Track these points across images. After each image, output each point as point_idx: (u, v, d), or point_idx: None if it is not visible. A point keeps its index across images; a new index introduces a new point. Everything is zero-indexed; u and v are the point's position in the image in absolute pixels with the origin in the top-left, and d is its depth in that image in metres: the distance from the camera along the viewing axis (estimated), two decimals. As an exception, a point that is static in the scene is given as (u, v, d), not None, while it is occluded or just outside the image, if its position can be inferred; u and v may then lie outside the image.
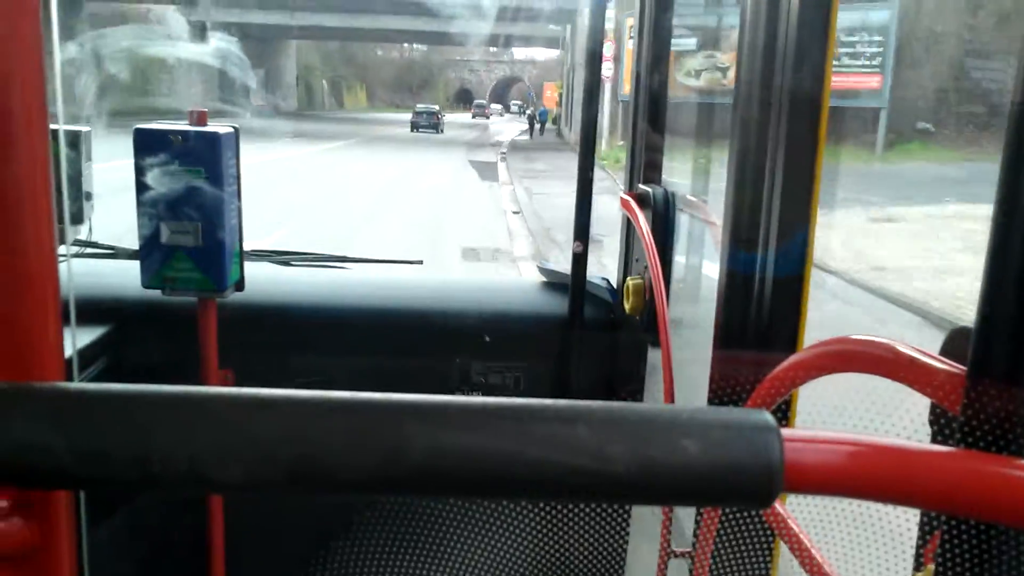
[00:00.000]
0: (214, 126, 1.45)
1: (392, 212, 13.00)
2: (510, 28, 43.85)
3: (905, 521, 0.69)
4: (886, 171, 17.50)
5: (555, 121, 42.60)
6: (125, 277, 1.58)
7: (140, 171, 1.43)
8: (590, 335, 1.78)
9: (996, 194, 0.57)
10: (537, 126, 39.55)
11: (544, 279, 1.96)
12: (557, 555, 1.70)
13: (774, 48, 1.01)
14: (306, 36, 56.59)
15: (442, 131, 38.65)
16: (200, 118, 1.46)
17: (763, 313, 1.07)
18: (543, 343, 1.80)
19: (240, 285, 1.55)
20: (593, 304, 1.81)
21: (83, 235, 1.60)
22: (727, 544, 1.07)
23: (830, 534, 0.80)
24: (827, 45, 1.00)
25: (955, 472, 0.50)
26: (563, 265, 1.87)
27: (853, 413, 0.74)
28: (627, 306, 1.69)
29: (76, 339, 1.47)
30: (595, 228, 1.82)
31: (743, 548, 1.07)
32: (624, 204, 1.73)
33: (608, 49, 21.60)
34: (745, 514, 1.04)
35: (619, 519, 1.68)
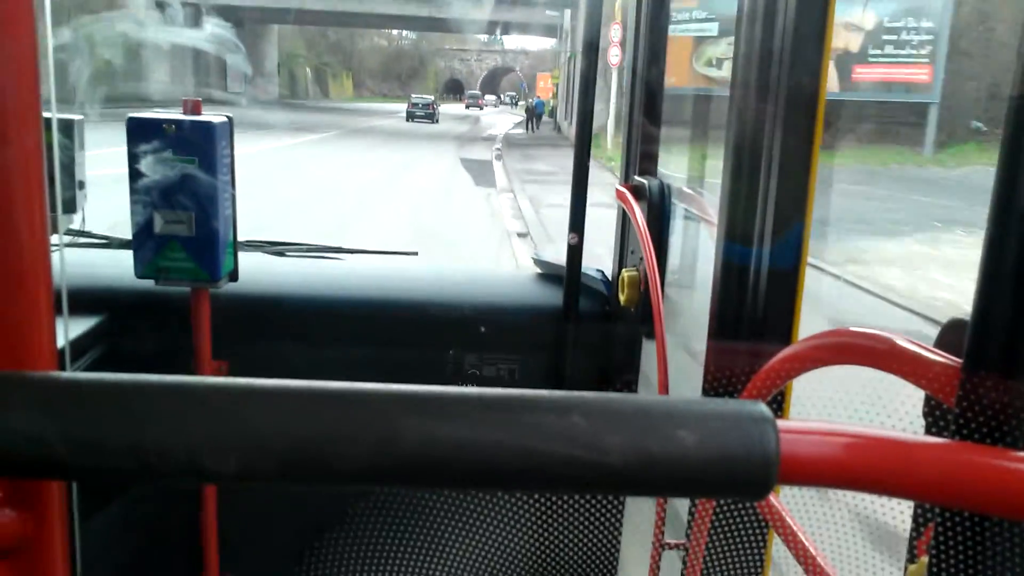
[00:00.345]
0: (208, 115, 1.48)
1: (364, 236, 9.98)
2: (505, 14, 41.41)
3: (899, 513, 0.69)
4: (946, 178, 14.91)
5: (551, 113, 39.96)
6: (118, 267, 1.62)
7: (133, 160, 1.45)
8: (585, 327, 1.81)
9: (993, 188, 0.58)
10: (534, 119, 37.44)
11: (539, 271, 1.98)
12: (551, 546, 1.72)
13: (771, 41, 1.03)
14: (289, 20, 53.82)
15: (437, 121, 40.05)
16: (194, 107, 1.48)
17: (758, 305, 1.09)
18: (538, 335, 1.83)
19: (234, 275, 1.57)
20: (588, 296, 1.84)
21: (76, 225, 1.59)
22: (721, 536, 1.08)
23: (824, 525, 0.80)
24: (824, 38, 1.02)
25: (950, 464, 0.50)
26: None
27: (848, 404, 0.76)
28: (622, 298, 1.71)
29: (69, 329, 1.38)
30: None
31: (737, 540, 1.08)
32: (619, 196, 1.75)
33: (616, 33, 18.89)
34: (739, 506, 1.05)
35: (613, 510, 1.70)
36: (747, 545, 1.10)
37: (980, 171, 14.92)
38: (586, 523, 1.71)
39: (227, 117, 1.52)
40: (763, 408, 0.49)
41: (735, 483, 0.49)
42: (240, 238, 1.61)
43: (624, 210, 1.75)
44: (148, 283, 1.51)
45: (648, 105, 1.78)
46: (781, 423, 0.49)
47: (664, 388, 1.40)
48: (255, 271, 1.73)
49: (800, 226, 1.07)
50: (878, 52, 19.82)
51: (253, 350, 1.67)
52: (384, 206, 11.99)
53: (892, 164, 16.77)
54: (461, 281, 2.04)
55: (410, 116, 40.18)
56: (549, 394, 0.49)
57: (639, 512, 1.65)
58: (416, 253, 2.12)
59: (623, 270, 1.75)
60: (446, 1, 40.85)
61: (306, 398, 0.48)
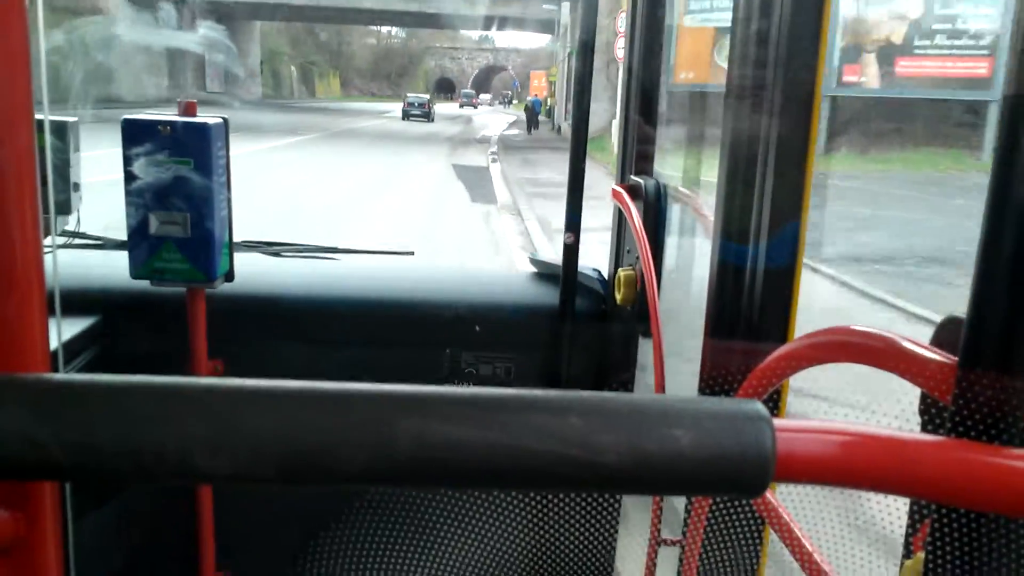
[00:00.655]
0: (203, 116, 1.51)
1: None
2: (500, 9, 39.15)
3: (896, 510, 0.70)
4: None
5: (549, 113, 37.67)
6: (113, 268, 1.64)
7: (128, 162, 1.48)
8: (581, 326, 1.83)
9: (989, 185, 0.59)
10: (533, 119, 36.04)
11: (535, 270, 2.02)
12: (548, 543, 1.74)
13: (767, 40, 1.05)
14: (272, 16, 51.37)
15: (432, 119, 41.58)
16: (189, 108, 1.51)
17: (754, 304, 1.11)
18: (534, 334, 1.86)
19: (230, 276, 1.60)
20: (584, 295, 1.87)
21: (71, 226, 1.63)
22: (717, 532, 1.11)
23: (820, 522, 0.82)
24: (820, 36, 1.04)
25: (946, 461, 0.51)
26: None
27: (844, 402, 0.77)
28: (618, 297, 1.73)
29: (64, 330, 1.52)
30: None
31: (733, 536, 1.10)
32: (615, 195, 1.78)
33: (624, 23, 16.56)
34: (735, 503, 1.07)
35: (610, 507, 1.74)
36: (743, 541, 1.11)
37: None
38: (583, 520, 1.72)
39: (222, 118, 1.54)
40: (759, 407, 0.50)
41: (731, 481, 0.49)
42: (235, 239, 1.62)
43: (620, 209, 1.77)
44: (143, 284, 1.53)
45: (644, 104, 1.81)
46: (777, 421, 0.50)
47: (661, 387, 1.42)
48: (251, 271, 1.76)
49: (796, 224, 1.08)
50: (927, 43, 17.45)
51: (249, 351, 1.70)
52: (359, 233, 9.87)
53: (951, 170, 14.52)
54: (457, 280, 2.07)
55: (406, 114, 41.77)
56: (545, 394, 0.50)
57: (636, 509, 1.68)
58: (412, 253, 2.16)
59: (619, 269, 1.78)
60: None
61: (301, 399, 0.49)
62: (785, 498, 0.86)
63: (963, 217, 9.66)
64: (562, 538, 1.74)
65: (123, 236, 1.58)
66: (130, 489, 1.70)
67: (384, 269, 2.08)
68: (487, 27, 49.95)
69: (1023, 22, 0.57)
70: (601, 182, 1.60)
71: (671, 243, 1.70)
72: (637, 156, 1.81)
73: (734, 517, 1.10)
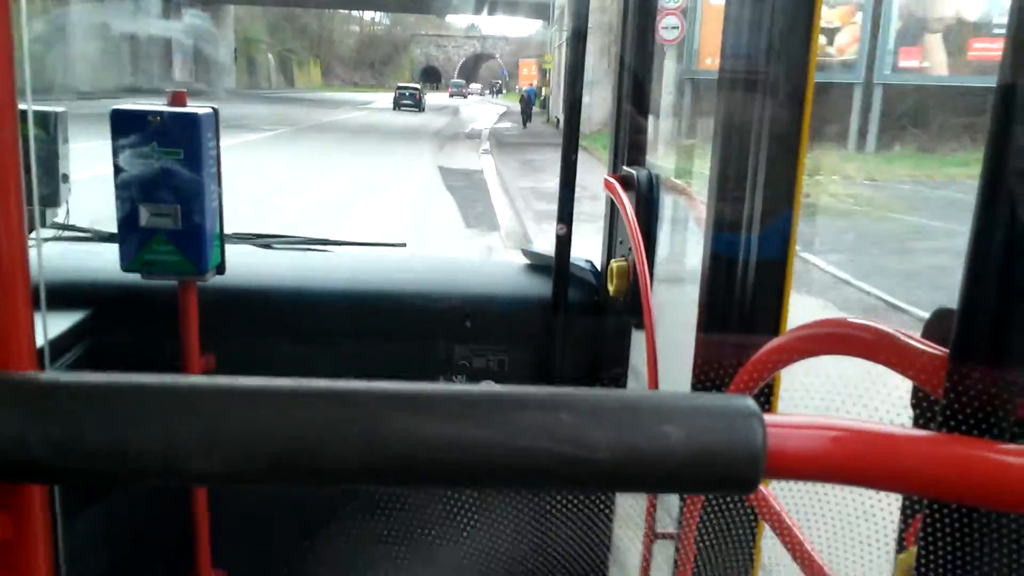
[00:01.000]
0: (193, 106, 1.53)
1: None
2: None
3: (889, 504, 0.72)
4: None
5: (543, 104, 34.74)
6: (104, 261, 1.65)
7: (117, 153, 1.49)
8: (574, 318, 1.87)
9: (980, 174, 0.59)
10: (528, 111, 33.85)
11: (528, 261, 2.06)
12: (542, 539, 1.77)
13: (759, 28, 1.07)
14: (245, 0, 47.90)
15: (423, 109, 42.38)
16: (178, 98, 1.53)
17: (746, 296, 1.13)
18: (527, 326, 1.89)
19: (221, 268, 1.62)
20: (577, 286, 1.91)
21: (60, 218, 1.65)
22: (712, 526, 1.14)
23: (814, 516, 0.83)
24: (812, 27, 1.05)
25: (937, 456, 0.52)
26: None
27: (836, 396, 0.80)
28: (611, 288, 1.77)
29: (53, 325, 1.55)
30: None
31: (727, 530, 1.13)
32: (608, 186, 1.82)
33: (675, -1, 16.67)
34: (729, 497, 1.10)
35: (605, 502, 1.76)
36: (737, 535, 1.12)
37: None
38: (578, 516, 1.72)
39: (212, 108, 1.56)
40: (750, 402, 0.51)
41: (722, 478, 0.50)
42: (226, 231, 1.65)
43: (613, 200, 1.81)
44: (134, 277, 1.55)
45: (637, 94, 1.83)
46: (768, 417, 0.50)
47: (653, 379, 1.45)
48: (242, 264, 1.77)
49: (789, 216, 1.10)
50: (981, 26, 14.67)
51: (241, 344, 1.71)
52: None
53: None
54: (450, 273, 2.10)
55: (397, 103, 42.67)
56: (535, 391, 0.50)
57: (630, 503, 1.71)
58: (404, 244, 2.19)
59: (612, 260, 1.81)
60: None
61: (291, 397, 0.49)
62: (779, 492, 0.87)
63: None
64: (556, 534, 1.74)
65: (111, 229, 1.59)
66: (123, 490, 1.71)
67: (376, 261, 2.10)
68: (478, 11, 47.44)
69: (1019, 11, 0.57)
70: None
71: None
72: (630, 146, 1.84)
73: (729, 511, 1.11)
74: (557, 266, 1.85)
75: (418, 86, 47.30)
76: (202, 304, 1.62)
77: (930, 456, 0.52)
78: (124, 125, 1.48)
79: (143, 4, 41.59)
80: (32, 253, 0.62)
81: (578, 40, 1.78)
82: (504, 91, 77.87)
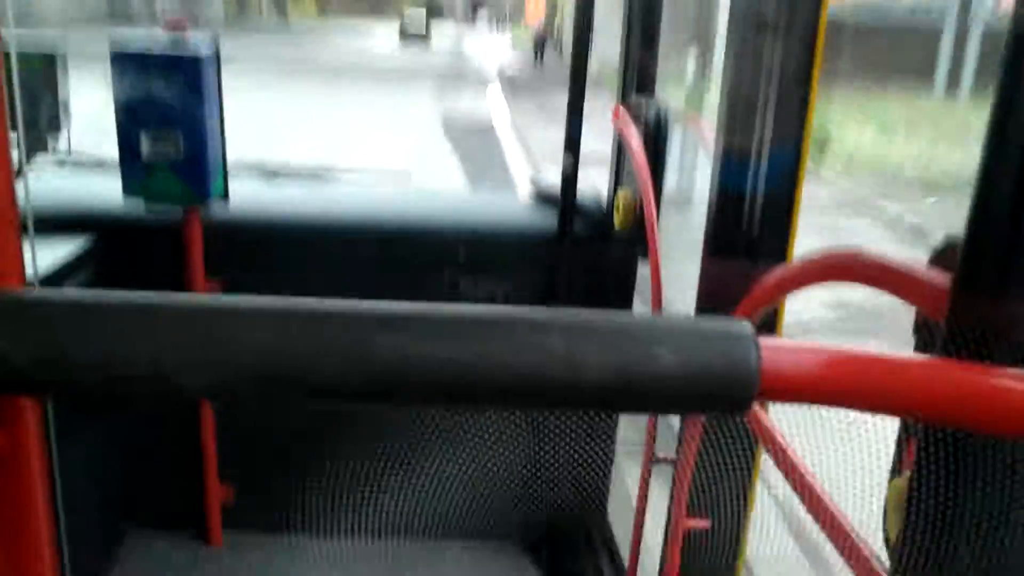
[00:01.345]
0: (193, 37, 1.55)
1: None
2: None
3: (886, 430, 0.72)
4: None
5: (549, 37, 30.00)
6: (108, 189, 1.67)
7: (118, 86, 1.52)
8: (580, 249, 1.89)
9: (989, 110, 0.60)
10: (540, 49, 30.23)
11: (536, 194, 2.08)
12: (543, 461, 1.82)
13: None
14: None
15: (430, 37, 41.89)
16: (178, 24, 1.55)
17: (753, 225, 1.15)
18: (533, 258, 1.92)
19: (224, 196, 1.65)
20: (583, 219, 1.92)
21: (62, 145, 1.67)
22: (710, 450, 1.16)
23: (813, 443, 0.83)
24: None
25: (934, 380, 0.53)
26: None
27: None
28: (617, 220, 1.79)
29: (55, 252, 1.58)
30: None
31: (726, 454, 1.15)
32: (616, 116, 1.82)
33: None
34: (728, 423, 1.12)
35: (605, 426, 1.80)
36: (736, 459, 1.14)
37: None
38: (578, 438, 1.77)
39: (213, 42, 1.58)
40: (745, 325, 0.51)
41: (715, 399, 0.51)
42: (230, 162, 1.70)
43: (620, 131, 1.83)
44: (138, 205, 1.58)
45: (646, 22, 1.81)
46: (764, 340, 0.50)
47: (658, 307, 1.47)
48: (248, 195, 1.81)
49: (797, 147, 1.10)
50: None
51: (247, 273, 1.74)
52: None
53: None
54: (456, 204, 2.12)
55: (403, 32, 42.19)
56: (526, 310, 0.51)
57: (632, 428, 1.75)
58: (409, 174, 2.30)
59: (618, 192, 1.82)
60: None
61: (278, 314, 0.49)
62: (779, 419, 0.87)
63: None
64: (557, 455, 1.78)
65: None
66: (127, 406, 1.76)
67: (382, 192, 2.13)
68: None
69: None
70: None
71: None
72: (639, 76, 1.83)
73: (727, 436, 1.13)
74: (563, 199, 1.87)
75: (423, 10, 46.05)
76: (207, 233, 1.65)
77: (927, 380, 0.52)
78: (125, 57, 1.52)
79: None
80: (21, 181, 0.63)
81: None
82: (508, 25, 72.49)
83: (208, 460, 1.74)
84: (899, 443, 0.72)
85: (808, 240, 1.08)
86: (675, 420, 1.43)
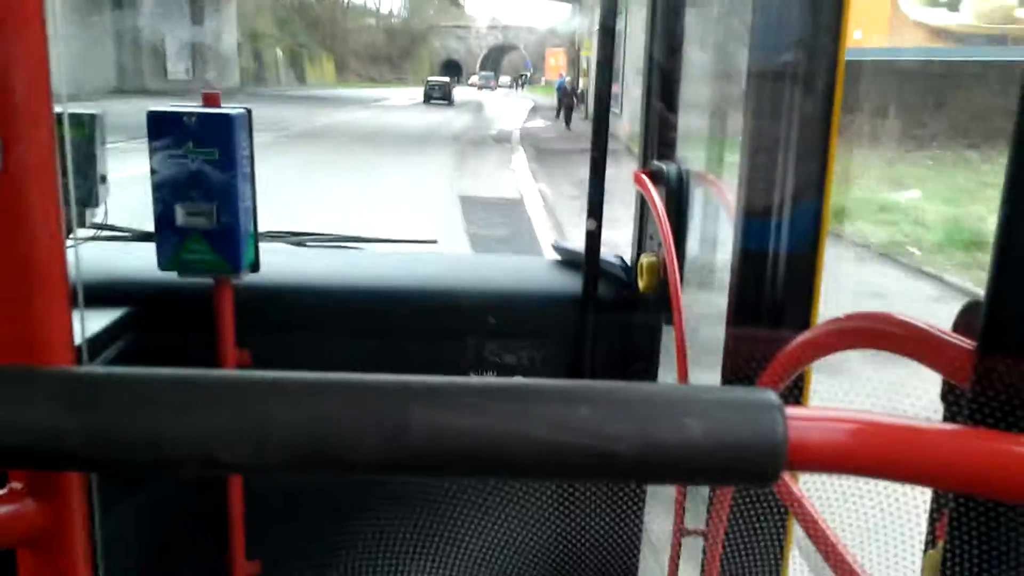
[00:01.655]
0: (227, 107, 1.60)
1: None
2: None
3: (918, 500, 0.72)
4: None
5: (582, 98, 29.97)
6: (141, 260, 1.74)
7: (154, 154, 1.58)
8: (604, 314, 1.91)
9: (1006, 168, 0.60)
10: (565, 108, 29.49)
11: (559, 258, 2.13)
12: (572, 535, 1.81)
13: (789, 19, 1.09)
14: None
15: (452, 102, 44.48)
16: (212, 99, 1.61)
17: (776, 289, 1.16)
18: (557, 322, 1.94)
19: (255, 266, 1.70)
20: (608, 282, 1.96)
21: (99, 219, 1.70)
22: (741, 522, 1.16)
23: (844, 512, 0.84)
24: (840, 12, 1.06)
25: (961, 450, 0.52)
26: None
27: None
28: (641, 284, 1.82)
29: (92, 323, 1.63)
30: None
31: (756, 525, 1.15)
32: (637, 180, 1.88)
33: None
34: (758, 492, 1.12)
35: (634, 498, 1.81)
36: (767, 531, 1.13)
37: None
38: (607, 511, 1.76)
39: (246, 109, 1.64)
40: (771, 395, 0.52)
41: (743, 470, 0.51)
42: (260, 229, 1.76)
43: (643, 196, 1.87)
44: (171, 275, 1.64)
45: (666, 89, 1.87)
46: (790, 409, 0.51)
47: (683, 375, 1.48)
48: (276, 262, 1.86)
49: (818, 209, 1.11)
50: None
51: (276, 340, 1.77)
52: None
53: None
54: (480, 269, 2.17)
55: (427, 97, 45.66)
56: (556, 383, 0.52)
57: (660, 500, 1.72)
58: (435, 241, 2.25)
59: (642, 256, 1.86)
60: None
61: (316, 389, 0.52)
62: (810, 489, 0.87)
63: None
64: (586, 529, 1.78)
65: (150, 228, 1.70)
66: (158, 480, 1.79)
67: (407, 258, 2.18)
68: None
69: None
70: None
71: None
72: (660, 141, 1.88)
73: (758, 506, 1.12)
74: (587, 262, 1.90)
75: (447, 80, 49.81)
76: (237, 301, 1.70)
77: (956, 449, 0.52)
78: (159, 126, 1.56)
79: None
80: (70, 253, 0.66)
81: (606, 34, 1.84)
82: (529, 84, 73.72)
83: (235, 534, 1.75)
84: (932, 513, 0.71)
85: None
86: (704, 491, 1.40)
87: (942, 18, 11.52)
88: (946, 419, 0.69)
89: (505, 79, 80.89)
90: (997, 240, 0.61)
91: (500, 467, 0.51)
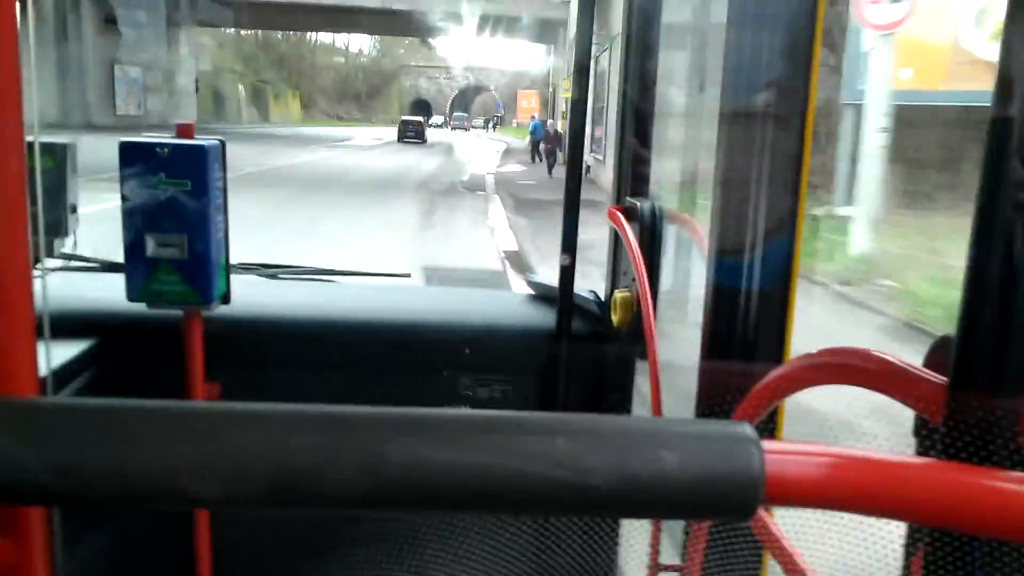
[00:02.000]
0: (201, 139, 1.61)
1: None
2: (493, 6, 31.14)
3: (893, 533, 0.71)
4: None
5: (560, 142, 28.12)
6: (110, 290, 1.74)
7: (125, 183, 1.57)
8: (578, 348, 1.93)
9: (975, 202, 0.62)
10: (542, 152, 27.51)
11: (532, 292, 2.17)
12: (547, 568, 1.76)
13: (759, 55, 1.10)
14: (204, 22, 41.68)
15: (425, 140, 46.03)
16: (186, 131, 1.62)
17: (749, 324, 1.15)
18: (531, 356, 1.95)
19: (226, 298, 1.70)
20: (581, 317, 1.98)
21: (68, 248, 1.69)
22: (717, 557, 1.16)
23: (819, 545, 0.83)
24: (812, 52, 1.07)
25: (935, 484, 0.53)
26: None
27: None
28: (615, 319, 1.84)
29: (59, 354, 1.63)
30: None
31: (733, 560, 1.14)
32: (611, 216, 1.91)
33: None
34: (734, 527, 1.13)
35: (608, 532, 1.77)
36: (743, 566, 1.11)
37: None
38: (581, 545, 1.69)
39: (219, 140, 1.64)
40: (747, 428, 0.52)
41: (720, 504, 0.51)
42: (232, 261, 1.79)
43: (616, 231, 1.90)
44: (140, 306, 1.62)
45: (639, 126, 1.91)
46: (766, 444, 0.51)
47: (657, 409, 1.49)
48: (248, 294, 1.85)
49: (790, 244, 1.13)
50: None
51: (246, 373, 1.73)
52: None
53: None
54: (454, 303, 2.16)
55: (401, 135, 46.93)
56: (532, 416, 0.52)
57: (636, 534, 1.70)
58: (409, 275, 2.24)
59: (616, 291, 1.88)
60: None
61: (290, 421, 0.51)
62: (784, 522, 0.87)
63: None
64: (560, 565, 1.70)
65: (118, 258, 1.69)
66: (123, 515, 1.75)
67: (381, 291, 2.18)
68: (481, 30, 42.39)
69: (1008, 45, 0.61)
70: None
71: None
72: (633, 177, 1.91)
73: (733, 542, 1.10)
74: (561, 296, 1.92)
75: (421, 119, 51.11)
76: (207, 334, 1.69)
77: (929, 484, 0.53)
78: (132, 156, 1.56)
79: (74, 25, 35.11)
80: (37, 283, 0.65)
81: (581, 73, 1.87)
82: (500, 125, 72.55)
83: (201, 570, 1.70)
84: (907, 548, 0.72)
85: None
86: (680, 525, 1.36)
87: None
88: (919, 454, 0.70)
89: (478, 121, 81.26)
90: (966, 278, 0.62)
91: (476, 501, 0.51)
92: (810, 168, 1.15)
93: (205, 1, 40.49)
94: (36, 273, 0.62)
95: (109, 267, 1.89)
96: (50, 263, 1.62)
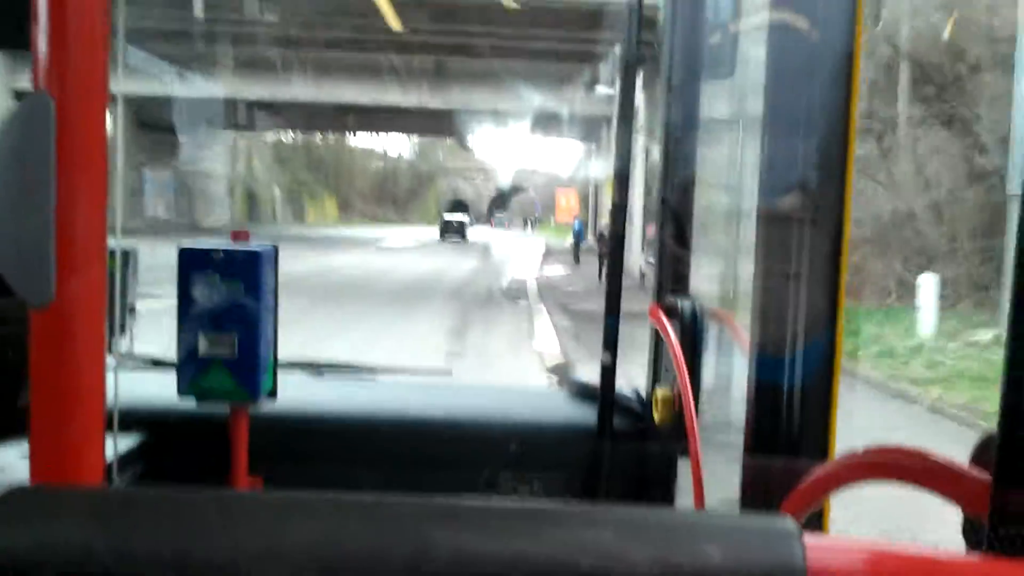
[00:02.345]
0: (255, 245, 1.72)
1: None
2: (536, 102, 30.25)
3: None
4: None
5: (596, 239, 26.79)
6: (161, 385, 1.83)
7: (182, 287, 1.67)
8: (619, 446, 1.95)
9: (1011, 296, 0.62)
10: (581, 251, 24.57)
11: (573, 391, 2.26)
12: None
13: (796, 160, 1.13)
14: (241, 126, 41.24)
15: (467, 239, 46.67)
16: (241, 236, 1.74)
17: (793, 421, 1.17)
18: (572, 454, 1.97)
19: (273, 394, 1.78)
20: (623, 414, 2.01)
21: (124, 346, 1.82)
22: None
23: None
24: (847, 149, 1.10)
25: None
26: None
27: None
28: (656, 416, 1.88)
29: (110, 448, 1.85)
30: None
31: None
32: (652, 315, 1.98)
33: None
34: None
35: None
36: None
37: None
38: None
39: (273, 246, 1.75)
40: (790, 522, 0.53)
41: None
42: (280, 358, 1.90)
43: (657, 329, 1.96)
44: (188, 400, 1.71)
45: (678, 225, 1.96)
46: (809, 537, 0.52)
47: (700, 505, 1.51)
48: (294, 390, 1.93)
49: (831, 340, 1.14)
50: None
51: (289, 468, 1.81)
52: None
53: None
54: (495, 400, 2.19)
55: (443, 233, 48.22)
56: (578, 508, 0.54)
57: None
58: (450, 372, 2.55)
59: (657, 388, 1.92)
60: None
61: (342, 511, 0.53)
62: None
63: None
64: None
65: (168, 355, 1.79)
66: None
67: (423, 389, 2.23)
68: (519, 128, 41.86)
69: None
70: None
71: None
72: (674, 276, 1.97)
73: None
74: (603, 394, 1.96)
75: (464, 218, 51.86)
76: (254, 428, 1.75)
77: None
78: (189, 260, 1.66)
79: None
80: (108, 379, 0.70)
81: (621, 181, 1.94)
82: (537, 225, 71.95)
83: None
84: None
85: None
86: None
87: None
88: (968, 550, 0.70)
89: (518, 221, 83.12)
90: (1005, 373, 0.62)
91: None
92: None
93: (242, 105, 40.14)
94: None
95: (163, 364, 1.98)
96: (110, 361, 1.53)
